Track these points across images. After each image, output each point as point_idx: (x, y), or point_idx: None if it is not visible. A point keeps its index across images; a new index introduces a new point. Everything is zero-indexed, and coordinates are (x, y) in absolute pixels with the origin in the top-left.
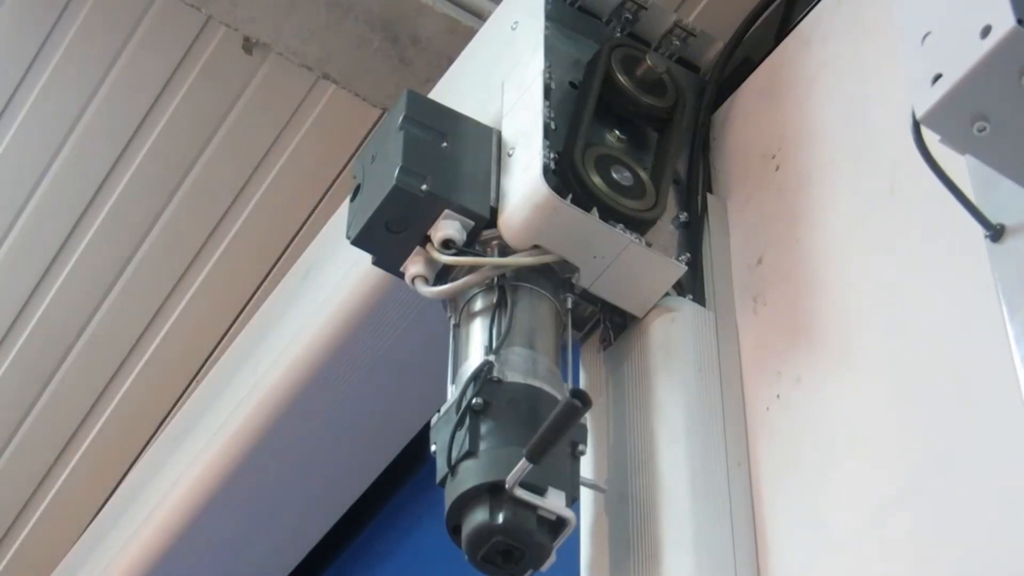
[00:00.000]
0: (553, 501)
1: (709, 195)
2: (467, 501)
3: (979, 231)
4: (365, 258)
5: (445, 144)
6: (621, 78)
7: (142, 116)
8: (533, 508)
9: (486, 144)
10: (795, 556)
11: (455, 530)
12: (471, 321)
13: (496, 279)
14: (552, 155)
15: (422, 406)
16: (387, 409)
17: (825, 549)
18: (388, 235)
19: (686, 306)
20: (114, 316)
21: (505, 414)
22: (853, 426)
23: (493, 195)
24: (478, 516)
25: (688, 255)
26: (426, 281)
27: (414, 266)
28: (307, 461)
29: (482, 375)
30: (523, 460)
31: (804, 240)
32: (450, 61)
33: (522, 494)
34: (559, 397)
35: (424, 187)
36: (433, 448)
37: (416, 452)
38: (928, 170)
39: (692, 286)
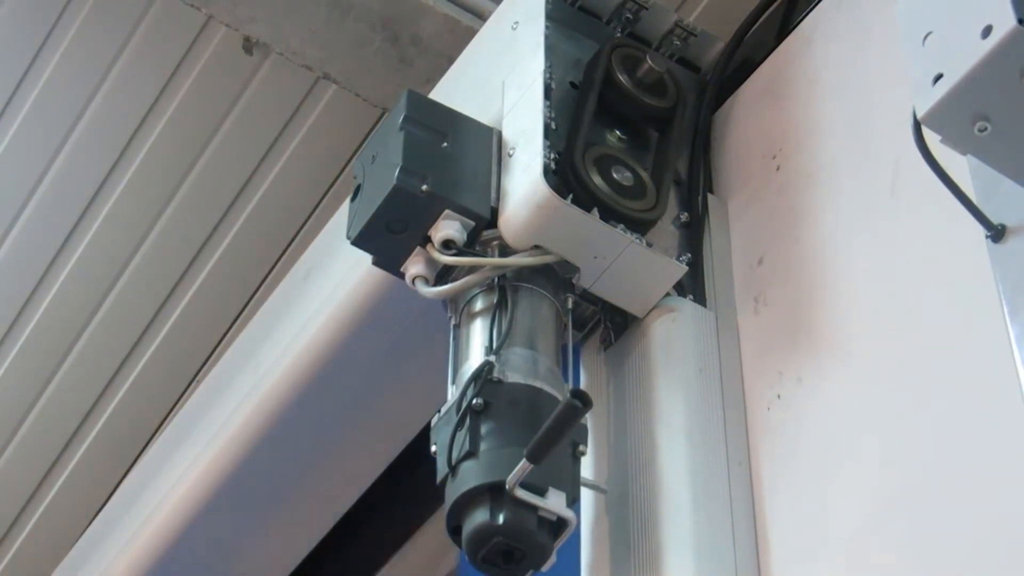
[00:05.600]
0: (554, 502)
1: (710, 195)
2: (467, 501)
3: (980, 231)
4: (365, 258)
5: (445, 144)
6: (622, 78)
7: (142, 116)
8: (534, 509)
9: (486, 144)
10: (795, 556)
11: (455, 531)
12: (471, 321)
13: (496, 279)
14: (552, 155)
15: (422, 406)
16: (387, 409)
17: (826, 549)
18: (388, 235)
19: (687, 306)
20: (114, 316)
21: (505, 414)
22: (854, 426)
23: (493, 195)
24: (479, 517)
25: (689, 255)
26: (426, 281)
27: (414, 266)
28: (307, 461)
29: (482, 375)
30: (524, 460)
31: (805, 240)
32: (450, 61)
33: (523, 495)
34: (560, 397)
35: (424, 187)
36: (433, 448)
37: (416, 452)
38: (929, 170)
39: (693, 286)
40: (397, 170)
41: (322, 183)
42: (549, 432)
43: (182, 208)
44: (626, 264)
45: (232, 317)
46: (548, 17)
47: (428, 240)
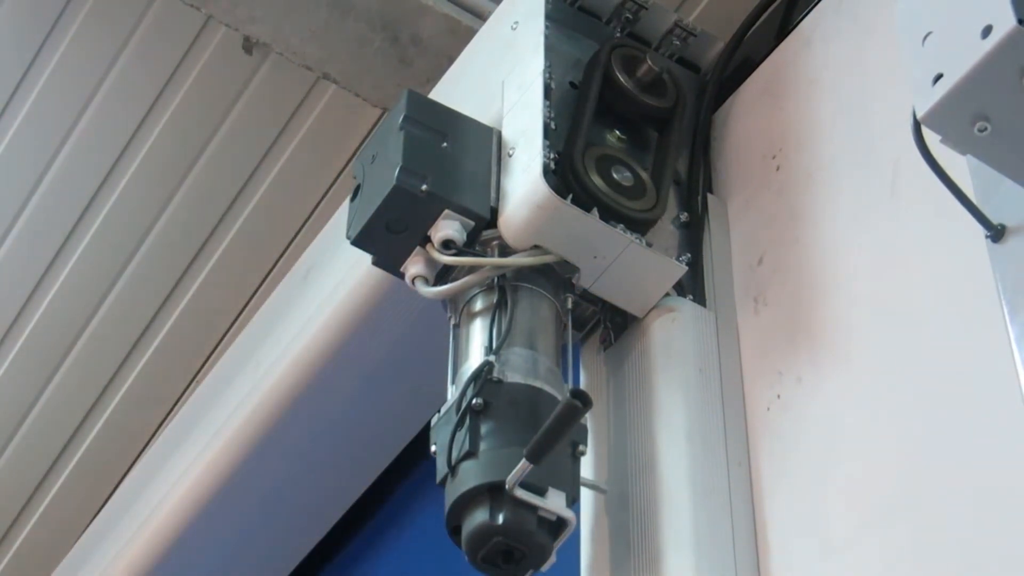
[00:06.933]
0: (553, 501)
1: (709, 195)
2: (467, 501)
3: (980, 231)
4: (365, 258)
5: (445, 144)
6: (621, 78)
7: (142, 116)
8: (533, 509)
9: (486, 144)
10: (795, 556)
11: (455, 530)
12: (471, 321)
13: (496, 279)
14: (552, 155)
15: (422, 406)
16: (387, 409)
17: (825, 549)
18: (388, 235)
19: (686, 306)
20: (114, 316)
21: (505, 414)
22: (853, 426)
23: (493, 195)
24: (478, 516)
25: (688, 255)
26: (426, 281)
27: (414, 266)
28: (307, 461)
29: (482, 375)
30: (523, 460)
31: (805, 240)
32: (450, 61)
33: (522, 494)
34: (559, 397)
35: (424, 187)
36: (433, 448)
37: (416, 452)
38: (929, 170)
39: (692, 286)
40: (397, 170)
41: (322, 183)
42: (549, 432)
43: (182, 208)
44: (626, 264)
45: (232, 317)
46: (548, 17)
47: (428, 240)
